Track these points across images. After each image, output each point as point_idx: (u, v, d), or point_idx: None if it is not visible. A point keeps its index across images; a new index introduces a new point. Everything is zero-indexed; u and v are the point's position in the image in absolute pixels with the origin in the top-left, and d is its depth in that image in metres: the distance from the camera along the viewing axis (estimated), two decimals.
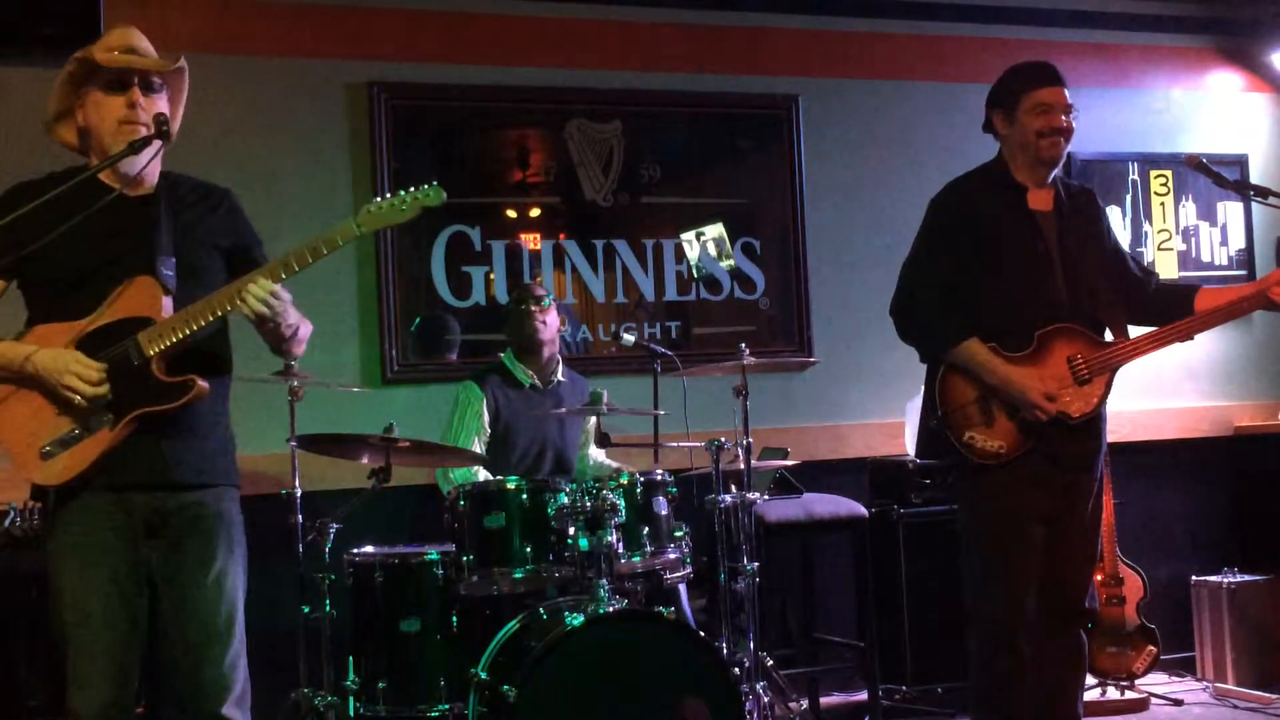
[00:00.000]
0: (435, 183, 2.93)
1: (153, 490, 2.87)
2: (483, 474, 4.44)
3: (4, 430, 2.86)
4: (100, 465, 2.82)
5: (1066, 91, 3.56)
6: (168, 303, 2.86)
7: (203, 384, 2.85)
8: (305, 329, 3.03)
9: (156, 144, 2.87)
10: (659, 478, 4.08)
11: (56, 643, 2.86)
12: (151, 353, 2.81)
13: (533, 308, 4.67)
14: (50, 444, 2.82)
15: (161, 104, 2.94)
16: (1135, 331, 3.61)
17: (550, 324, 4.71)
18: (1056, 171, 3.63)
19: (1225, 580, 5.39)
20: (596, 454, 4.87)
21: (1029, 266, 3.53)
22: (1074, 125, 3.56)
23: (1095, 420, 3.54)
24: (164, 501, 2.88)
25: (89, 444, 2.82)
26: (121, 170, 2.88)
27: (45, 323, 2.88)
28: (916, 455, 4.33)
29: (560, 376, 4.76)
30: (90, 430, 2.82)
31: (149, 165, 2.92)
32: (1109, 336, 3.57)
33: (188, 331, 2.82)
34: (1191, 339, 3.59)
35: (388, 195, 2.93)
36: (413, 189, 2.91)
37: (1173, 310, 3.60)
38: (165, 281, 2.86)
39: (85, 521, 2.84)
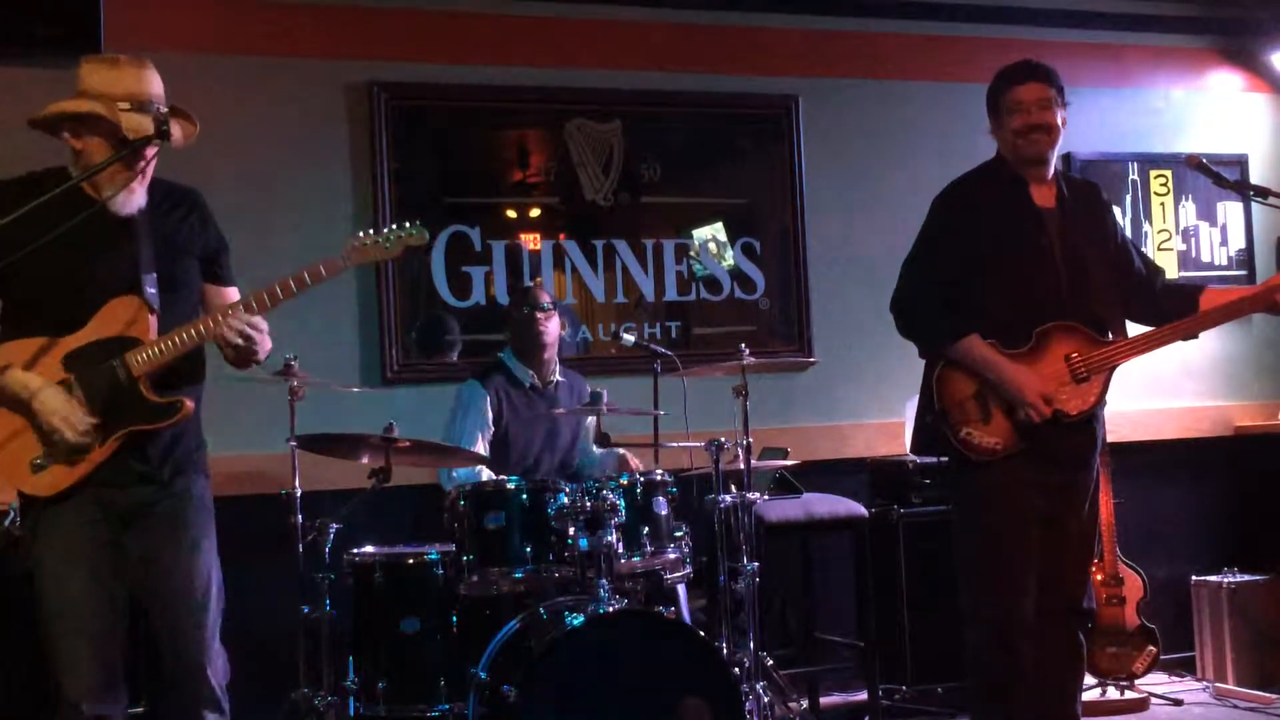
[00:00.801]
0: (419, 222, 3.09)
1: (126, 486, 2.97)
2: (486, 473, 4.44)
3: None
4: (88, 478, 2.92)
5: (1048, 88, 3.54)
6: (153, 321, 2.95)
7: (189, 404, 2.96)
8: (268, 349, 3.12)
9: (143, 188, 2.96)
10: (659, 478, 4.08)
11: (39, 637, 2.96)
12: (139, 372, 2.91)
13: (538, 314, 4.67)
14: (40, 457, 2.91)
15: (154, 150, 2.97)
16: (1135, 329, 3.61)
17: (553, 329, 4.71)
18: (1056, 167, 3.63)
19: (1225, 580, 5.39)
20: (602, 453, 4.86)
21: (1030, 262, 3.53)
22: (1058, 120, 3.54)
23: (1092, 419, 3.54)
24: (136, 494, 2.98)
25: (78, 459, 2.90)
26: (113, 209, 2.94)
27: (24, 334, 2.94)
28: (912, 450, 4.34)
29: (558, 377, 4.76)
30: (80, 447, 2.89)
31: (137, 198, 2.98)
32: (1109, 335, 3.57)
33: (173, 355, 2.93)
34: (1195, 338, 3.59)
35: (372, 231, 3.07)
36: (396, 226, 3.07)
37: (1177, 310, 3.59)
38: (150, 300, 2.95)
39: (67, 520, 2.93)
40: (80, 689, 2.90)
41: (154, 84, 2.99)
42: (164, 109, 2.97)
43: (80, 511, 2.93)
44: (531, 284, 5.01)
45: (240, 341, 2.94)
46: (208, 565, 3.04)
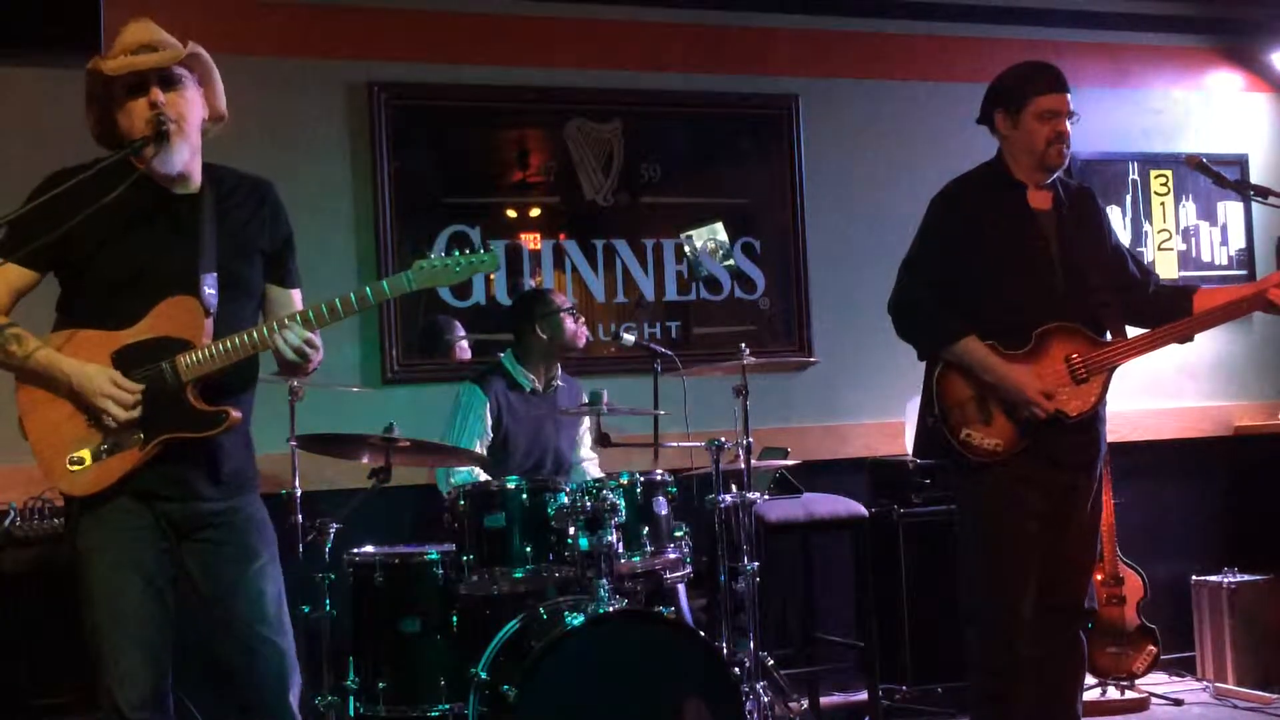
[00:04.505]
0: (492, 248, 2.99)
1: (180, 501, 2.88)
2: (482, 475, 4.44)
3: (34, 435, 2.86)
4: (127, 480, 2.83)
5: (1070, 96, 3.56)
6: (209, 324, 2.86)
7: (236, 415, 2.86)
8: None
9: (177, 150, 2.85)
10: (659, 478, 4.08)
11: (87, 641, 2.84)
12: (188, 378, 2.82)
13: (579, 319, 4.68)
14: (78, 454, 2.82)
15: (189, 94, 2.90)
16: (1133, 331, 3.61)
17: (583, 329, 4.74)
18: (1058, 172, 3.64)
19: (1225, 580, 5.39)
20: (587, 462, 4.86)
21: (1028, 265, 3.53)
22: (1070, 131, 3.56)
23: (1094, 420, 3.54)
24: (193, 508, 2.89)
25: (117, 460, 2.82)
26: (160, 170, 2.86)
27: (79, 325, 2.86)
28: (914, 454, 4.33)
29: (559, 381, 4.76)
30: (121, 447, 2.82)
31: (189, 162, 2.90)
32: (1108, 336, 3.57)
33: (225, 363, 2.83)
34: (1190, 340, 3.59)
35: (442, 254, 2.94)
36: (469, 252, 2.94)
37: (1170, 311, 3.60)
38: (207, 302, 2.85)
39: (114, 521, 2.84)
40: (132, 699, 2.80)
41: (151, 31, 2.89)
42: (170, 46, 2.88)
43: (130, 515, 2.84)
44: (546, 288, 5.02)
45: (294, 357, 2.84)
46: (279, 587, 2.97)
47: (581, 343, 4.72)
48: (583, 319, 4.77)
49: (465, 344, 5.16)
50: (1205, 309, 3.55)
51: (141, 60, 2.84)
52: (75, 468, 2.82)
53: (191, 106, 2.90)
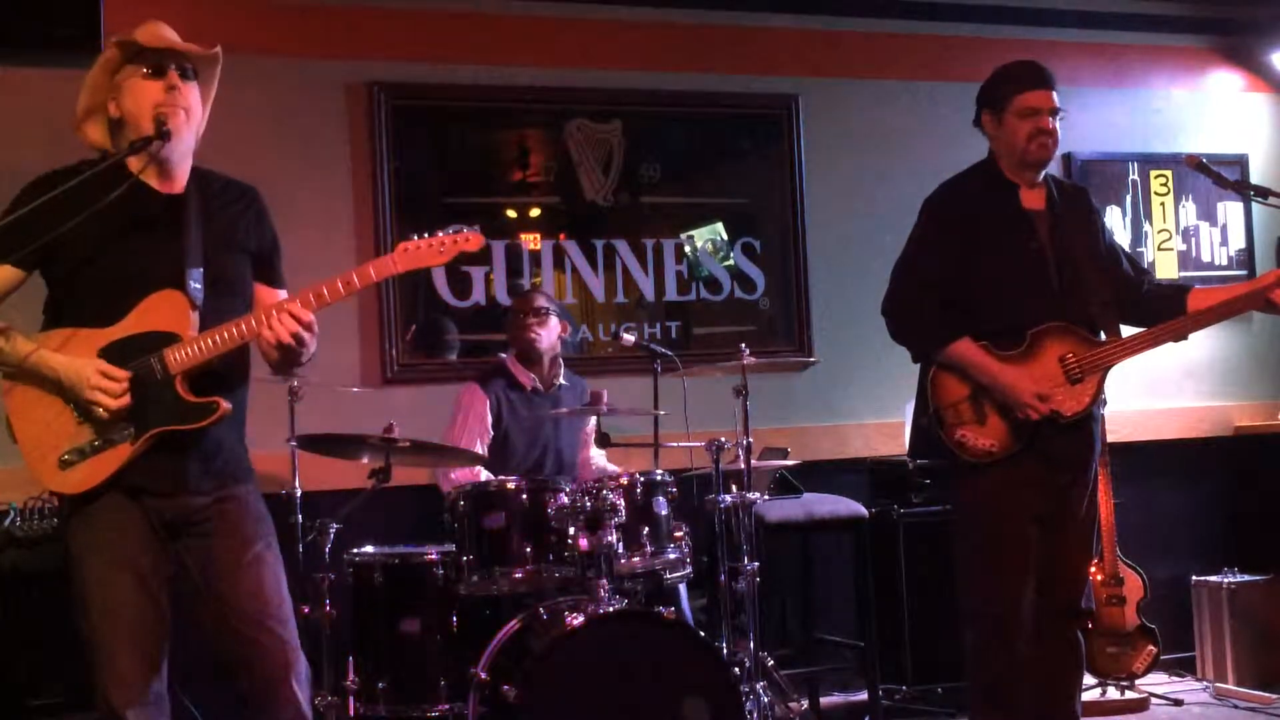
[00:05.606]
0: (477, 226, 2.96)
1: (171, 496, 2.87)
2: (484, 474, 4.44)
3: (22, 434, 2.85)
4: (117, 477, 2.81)
5: (1055, 94, 3.56)
6: (195, 318, 2.84)
7: (226, 405, 2.84)
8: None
9: (181, 142, 2.87)
10: (659, 478, 4.08)
11: (82, 641, 2.84)
12: (176, 370, 2.80)
13: (530, 319, 4.63)
14: (69, 453, 2.80)
15: (195, 92, 2.93)
16: (1128, 331, 3.61)
17: (547, 335, 4.65)
18: (1048, 170, 3.63)
19: (1225, 580, 5.39)
20: (597, 457, 4.86)
21: (1022, 264, 3.53)
22: (1058, 128, 3.56)
23: (1088, 420, 3.54)
24: (183, 503, 2.88)
25: (108, 456, 2.80)
26: (162, 157, 2.86)
27: (65, 324, 2.85)
28: (910, 454, 4.33)
29: (562, 380, 4.75)
30: (111, 443, 2.80)
31: (182, 161, 2.91)
32: (1102, 336, 3.57)
33: (213, 355, 2.81)
34: (1185, 339, 3.59)
35: (425, 235, 2.93)
36: (452, 230, 2.94)
37: (1165, 310, 3.59)
38: (193, 296, 2.83)
39: (106, 520, 2.82)
40: (127, 698, 2.79)
41: (168, 29, 2.91)
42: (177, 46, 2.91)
43: (122, 513, 2.82)
44: (530, 287, 5.00)
45: (290, 342, 2.80)
46: (277, 576, 2.94)
47: (543, 346, 4.64)
48: (550, 318, 4.67)
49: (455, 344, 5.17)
50: (1200, 308, 3.55)
51: (177, 44, 2.86)
52: (66, 466, 2.81)
53: (197, 104, 2.93)
